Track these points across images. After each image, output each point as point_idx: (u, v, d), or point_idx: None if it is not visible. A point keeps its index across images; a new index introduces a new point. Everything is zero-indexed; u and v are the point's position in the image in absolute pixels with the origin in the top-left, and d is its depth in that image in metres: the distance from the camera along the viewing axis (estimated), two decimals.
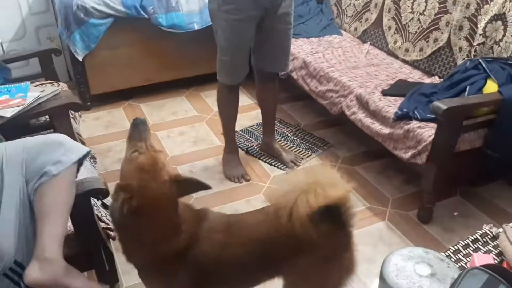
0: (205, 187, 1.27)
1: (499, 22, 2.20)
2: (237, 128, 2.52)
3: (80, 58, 2.81)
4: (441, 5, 2.49)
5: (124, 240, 1.29)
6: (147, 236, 1.23)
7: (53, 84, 2.25)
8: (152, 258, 1.26)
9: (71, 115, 2.05)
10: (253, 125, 2.92)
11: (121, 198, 1.14)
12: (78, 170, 1.35)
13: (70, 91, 2.16)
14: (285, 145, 2.71)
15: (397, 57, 2.75)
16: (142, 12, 2.80)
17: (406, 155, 2.03)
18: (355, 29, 3.08)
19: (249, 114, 3.04)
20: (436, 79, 2.46)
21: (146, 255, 1.26)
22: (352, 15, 3.11)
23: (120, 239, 1.30)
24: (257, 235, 1.29)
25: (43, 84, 2.25)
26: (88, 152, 1.36)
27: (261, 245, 1.27)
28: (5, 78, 2.11)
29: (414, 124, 2.02)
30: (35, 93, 1.87)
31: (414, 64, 2.64)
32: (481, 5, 2.28)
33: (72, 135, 1.93)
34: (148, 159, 1.20)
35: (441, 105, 1.82)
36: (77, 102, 1.92)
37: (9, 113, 1.74)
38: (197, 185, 1.27)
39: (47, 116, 1.93)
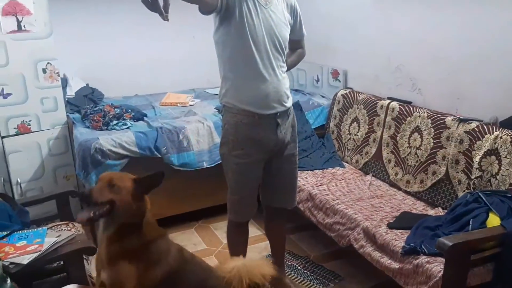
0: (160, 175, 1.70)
1: (493, 157, 2.33)
2: None
3: None
4: (436, 141, 2.65)
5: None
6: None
7: (68, 225, 2.34)
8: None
9: (84, 257, 2.10)
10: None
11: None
12: None
13: (84, 233, 2.23)
14: (296, 279, 2.69)
15: (399, 188, 2.85)
16: (155, 152, 2.99)
17: None
18: (357, 161, 3.23)
19: (258, 246, 3.07)
20: (439, 210, 2.53)
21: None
22: (353, 149, 3.29)
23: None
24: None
25: (59, 225, 2.33)
26: None
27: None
28: (23, 222, 2.19)
29: (423, 259, 2.04)
30: (51, 238, 1.93)
31: (416, 196, 2.73)
32: (474, 141, 2.44)
33: (85, 278, 1.96)
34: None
35: (446, 241, 1.86)
36: (92, 247, 1.97)
37: (25, 260, 1.79)
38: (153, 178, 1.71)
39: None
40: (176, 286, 1.74)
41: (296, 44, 2.37)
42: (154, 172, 1.75)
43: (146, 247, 1.72)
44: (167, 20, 1.51)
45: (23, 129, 3.16)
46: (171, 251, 1.80)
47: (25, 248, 1.86)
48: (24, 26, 3.02)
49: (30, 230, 2.03)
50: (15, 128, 3.13)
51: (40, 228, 2.05)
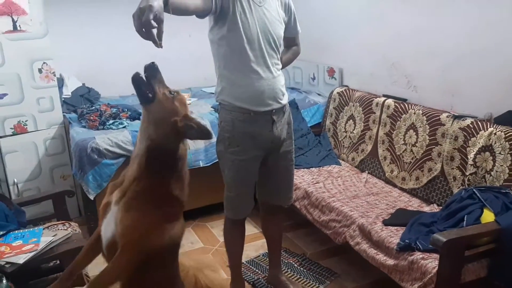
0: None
1: (488, 153, 2.34)
2: (243, 260, 2.54)
3: (92, 197, 2.93)
4: (431, 138, 2.66)
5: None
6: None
7: (65, 225, 2.34)
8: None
9: None
10: (259, 256, 2.94)
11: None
12: None
13: (81, 232, 2.24)
14: (292, 277, 2.70)
15: (395, 185, 2.86)
16: None
17: (413, 287, 2.03)
18: (353, 159, 3.24)
19: (255, 243, 3.07)
20: (435, 207, 2.54)
21: None
22: (349, 146, 3.30)
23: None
24: None
25: (55, 225, 2.34)
26: None
27: None
28: (20, 221, 2.20)
29: (418, 255, 2.05)
30: (48, 237, 1.95)
31: (412, 192, 2.74)
32: (468, 137, 2.45)
33: (81, 277, 1.97)
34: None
35: (441, 237, 1.87)
36: None
37: (21, 259, 1.80)
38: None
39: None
40: (166, 264, 1.66)
41: (291, 41, 2.38)
42: (199, 126, 1.60)
43: (168, 201, 1.61)
44: (161, 47, 1.54)
45: (19, 129, 3.16)
46: (181, 223, 1.69)
47: (21, 248, 1.87)
48: (19, 26, 3.02)
49: (26, 230, 2.04)
50: (11, 128, 3.13)
51: (36, 228, 2.06)
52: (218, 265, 1.77)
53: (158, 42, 1.52)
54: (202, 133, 1.60)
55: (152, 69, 1.60)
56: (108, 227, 1.57)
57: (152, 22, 1.45)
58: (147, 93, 1.57)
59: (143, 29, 1.48)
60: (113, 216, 1.55)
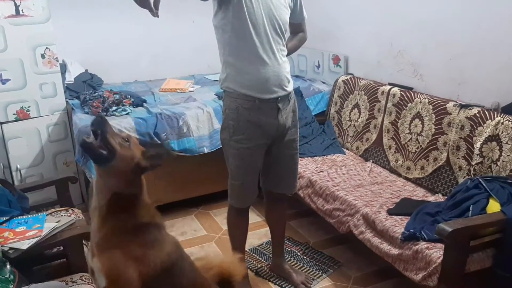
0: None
1: (494, 143, 2.32)
2: (246, 248, 2.54)
3: None
4: (437, 127, 2.64)
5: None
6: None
7: (68, 211, 2.34)
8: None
9: (84, 242, 2.10)
10: (262, 244, 2.94)
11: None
12: None
13: (84, 219, 2.23)
14: (295, 265, 2.70)
15: (399, 175, 2.84)
16: (155, 138, 2.98)
17: (417, 277, 2.02)
18: (357, 148, 3.22)
19: (258, 232, 3.07)
20: (440, 197, 2.52)
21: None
22: (353, 135, 3.27)
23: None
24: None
25: (59, 211, 2.33)
26: None
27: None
28: (23, 207, 2.19)
29: (422, 244, 2.04)
30: (51, 224, 1.93)
31: (417, 182, 2.72)
32: (475, 127, 2.42)
33: (84, 262, 1.96)
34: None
35: (446, 227, 1.86)
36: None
37: (25, 245, 1.79)
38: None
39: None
40: (174, 280, 1.63)
41: (297, 27, 2.35)
42: (157, 151, 1.60)
43: (141, 229, 1.56)
44: (157, 16, 1.51)
45: (22, 115, 3.14)
46: (168, 241, 1.65)
47: (25, 234, 1.87)
48: (22, 10, 2.99)
49: (29, 216, 2.03)
50: (14, 114, 3.12)
51: (39, 214, 2.05)
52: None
53: (154, 11, 1.49)
54: (162, 155, 1.60)
55: (101, 124, 1.48)
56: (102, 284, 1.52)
57: None
58: (103, 154, 1.46)
59: None
60: (97, 274, 1.52)
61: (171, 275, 1.59)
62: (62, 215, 2.21)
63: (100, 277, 1.50)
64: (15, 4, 2.96)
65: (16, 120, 3.13)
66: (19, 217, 2.01)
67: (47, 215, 2.04)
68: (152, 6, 1.49)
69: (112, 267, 1.48)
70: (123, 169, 1.48)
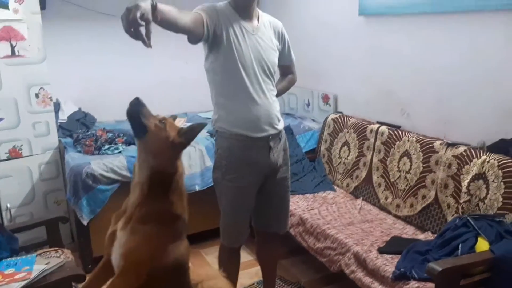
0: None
1: (481, 181, 2.36)
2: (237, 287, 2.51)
3: (85, 223, 2.91)
4: (425, 165, 2.68)
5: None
6: None
7: (58, 252, 2.32)
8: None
9: (73, 285, 2.08)
10: (253, 284, 2.91)
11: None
12: None
13: (74, 260, 2.22)
14: None
15: (389, 212, 2.86)
16: None
17: None
18: (347, 185, 3.25)
19: (249, 271, 3.05)
20: (429, 235, 2.54)
21: None
22: (343, 172, 3.31)
23: None
24: None
25: (48, 251, 2.31)
26: None
27: None
28: (12, 248, 2.17)
29: (413, 284, 2.04)
30: (40, 265, 1.93)
31: (406, 220, 2.74)
32: (462, 165, 2.47)
33: None
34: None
35: (436, 266, 1.87)
36: (80, 274, 1.96)
37: None
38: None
39: None
40: (174, 280, 1.68)
41: (286, 69, 2.42)
42: (191, 127, 1.70)
43: (173, 219, 1.64)
44: (150, 47, 1.57)
45: (14, 154, 3.15)
46: (185, 241, 1.73)
47: (14, 276, 1.86)
48: (18, 51, 3.05)
49: (18, 257, 2.02)
50: (6, 153, 3.12)
51: (29, 255, 2.04)
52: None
53: (147, 42, 1.55)
54: (196, 128, 1.69)
55: (138, 105, 1.64)
56: (116, 254, 1.60)
57: (139, 20, 1.48)
58: (143, 122, 1.61)
59: (131, 29, 1.50)
60: (119, 241, 1.59)
61: (173, 275, 1.65)
62: (51, 256, 2.19)
63: (119, 250, 1.57)
64: (11, 45, 3.02)
65: (8, 158, 3.14)
66: (8, 258, 2.00)
67: (36, 256, 2.02)
68: (145, 37, 1.54)
69: (134, 251, 1.55)
70: (159, 146, 1.61)
